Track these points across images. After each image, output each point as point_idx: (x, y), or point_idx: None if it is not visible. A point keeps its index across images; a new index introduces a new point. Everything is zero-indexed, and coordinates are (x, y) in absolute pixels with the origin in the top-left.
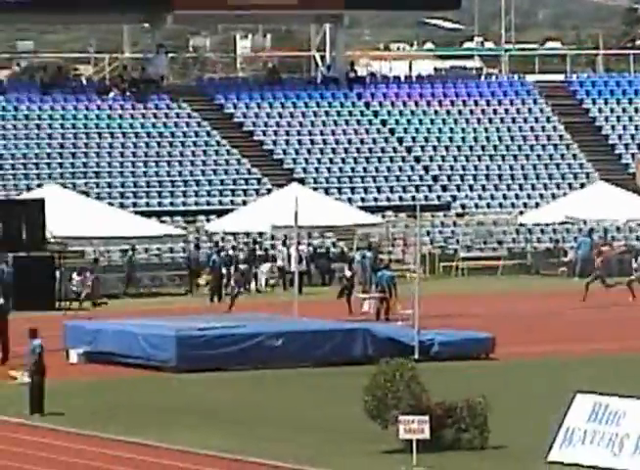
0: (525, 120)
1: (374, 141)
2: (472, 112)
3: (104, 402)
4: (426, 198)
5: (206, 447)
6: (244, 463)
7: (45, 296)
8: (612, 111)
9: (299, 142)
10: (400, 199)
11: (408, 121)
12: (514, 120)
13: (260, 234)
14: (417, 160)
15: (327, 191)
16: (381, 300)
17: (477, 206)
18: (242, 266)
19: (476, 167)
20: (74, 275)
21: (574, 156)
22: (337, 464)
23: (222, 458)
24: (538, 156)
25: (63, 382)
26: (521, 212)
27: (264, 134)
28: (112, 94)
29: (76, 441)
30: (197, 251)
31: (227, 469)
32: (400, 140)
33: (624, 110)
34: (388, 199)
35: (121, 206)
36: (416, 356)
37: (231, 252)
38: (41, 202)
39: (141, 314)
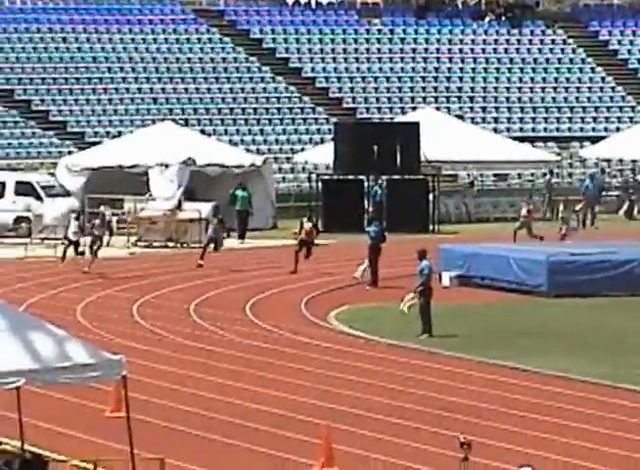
0: None
1: None
2: None
3: (477, 326)
4: None
5: (578, 373)
6: (613, 389)
7: (418, 219)
8: None
9: None
10: None
11: None
12: None
13: (634, 161)
14: None
15: None
16: None
17: None
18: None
19: None
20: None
21: None
22: None
23: (597, 384)
24: None
25: (436, 305)
26: None
27: (638, 62)
28: (487, 19)
29: (451, 364)
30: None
31: (597, 394)
32: None
33: None
34: None
35: (495, 130)
36: None
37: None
38: (416, 125)
39: (513, 239)
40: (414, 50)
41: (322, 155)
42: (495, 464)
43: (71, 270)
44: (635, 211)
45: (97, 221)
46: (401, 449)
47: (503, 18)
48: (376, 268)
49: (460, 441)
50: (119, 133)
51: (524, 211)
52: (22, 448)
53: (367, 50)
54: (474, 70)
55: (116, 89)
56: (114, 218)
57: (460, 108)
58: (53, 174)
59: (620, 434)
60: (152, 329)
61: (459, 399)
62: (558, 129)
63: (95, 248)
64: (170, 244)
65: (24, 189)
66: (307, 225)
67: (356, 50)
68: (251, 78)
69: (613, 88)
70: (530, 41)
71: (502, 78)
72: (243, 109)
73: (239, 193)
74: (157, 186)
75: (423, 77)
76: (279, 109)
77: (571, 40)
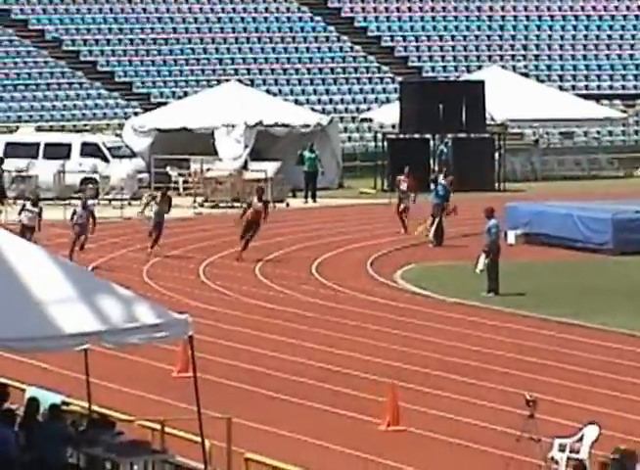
0: None
1: None
2: None
3: (543, 284)
4: None
5: None
6: None
7: (484, 177)
8: None
9: None
10: None
11: None
12: None
13: None
14: None
15: None
16: None
17: None
18: None
19: None
20: None
21: None
22: None
23: None
24: None
25: (502, 263)
26: None
27: None
28: None
29: (518, 322)
30: None
31: None
32: None
33: None
34: None
35: (560, 88)
36: None
37: None
38: (481, 83)
39: (580, 197)
40: (479, 8)
41: (388, 114)
42: (561, 422)
43: (138, 231)
44: None
45: (78, 209)
46: (467, 407)
47: None
48: (441, 227)
49: (526, 398)
50: (185, 94)
51: (403, 186)
52: (90, 409)
53: (432, 9)
54: (539, 27)
55: (182, 50)
56: (181, 179)
57: (525, 66)
58: (119, 135)
59: None
60: (218, 289)
61: (525, 357)
62: (623, 87)
63: (82, 239)
64: (237, 204)
65: (91, 150)
66: (257, 205)
67: (421, 8)
68: (316, 38)
69: None
70: None
71: (567, 36)
72: (308, 69)
73: (307, 154)
74: (223, 146)
75: (488, 36)
76: (344, 68)
77: None
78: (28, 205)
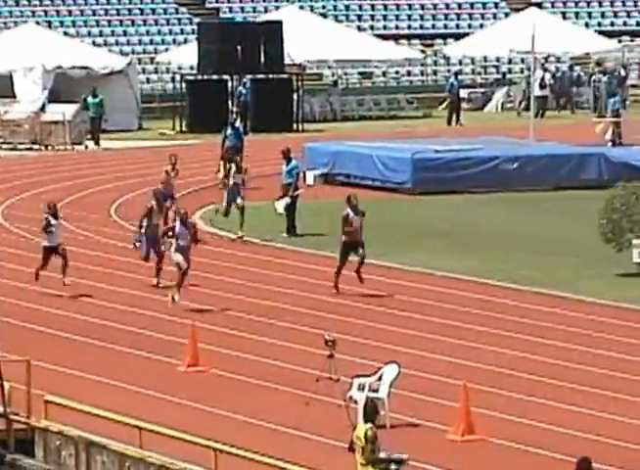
0: None
1: None
2: None
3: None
4: None
5: (444, 269)
6: (485, 286)
7: (283, 118)
8: None
9: None
10: (637, 24)
11: None
12: None
13: (498, 59)
14: None
15: (564, 16)
16: (616, 124)
17: None
18: None
19: None
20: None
21: None
22: (571, 286)
23: (462, 280)
24: None
25: (301, 204)
26: None
27: None
28: None
29: (317, 262)
30: None
31: (468, 291)
32: None
33: None
34: (625, 24)
35: (359, 29)
36: None
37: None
38: (279, 24)
39: (379, 137)
40: None
41: (186, 55)
42: (361, 361)
43: None
44: (500, 107)
45: (177, 225)
46: (266, 348)
47: None
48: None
49: (325, 338)
50: None
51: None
52: None
53: None
54: None
55: None
56: None
57: (323, 6)
58: None
59: (486, 329)
60: (17, 232)
61: (324, 298)
62: (422, 26)
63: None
64: (35, 146)
65: None
66: (356, 220)
67: None
68: None
69: None
70: None
71: None
72: (105, 10)
73: (90, 99)
74: (21, 89)
75: None
76: (142, 9)
77: None
78: (51, 218)
